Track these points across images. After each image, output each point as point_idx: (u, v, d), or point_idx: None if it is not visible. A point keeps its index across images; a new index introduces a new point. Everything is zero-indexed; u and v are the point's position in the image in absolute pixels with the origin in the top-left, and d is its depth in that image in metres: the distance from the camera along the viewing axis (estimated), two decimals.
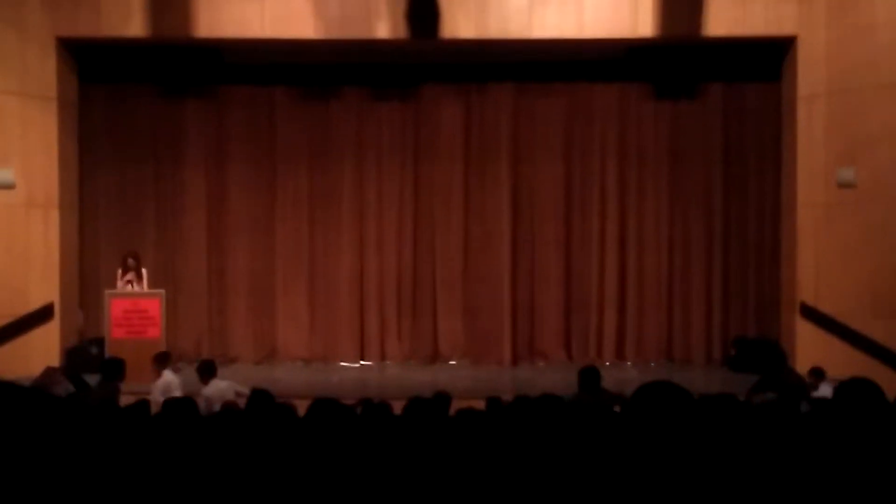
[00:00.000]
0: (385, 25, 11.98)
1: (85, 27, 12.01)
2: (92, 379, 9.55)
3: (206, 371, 9.21)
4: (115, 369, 8.89)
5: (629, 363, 13.29)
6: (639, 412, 3.21)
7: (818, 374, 9.63)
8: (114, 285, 11.68)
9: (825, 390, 9.11)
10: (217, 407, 8.01)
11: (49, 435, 2.27)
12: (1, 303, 11.72)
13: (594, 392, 7.62)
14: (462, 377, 12.15)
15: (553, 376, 11.95)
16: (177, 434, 4.34)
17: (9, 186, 11.83)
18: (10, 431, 2.19)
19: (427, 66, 13.39)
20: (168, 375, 9.40)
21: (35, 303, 12.00)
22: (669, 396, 3.20)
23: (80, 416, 2.94)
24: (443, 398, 7.47)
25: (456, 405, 6.91)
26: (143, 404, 6.42)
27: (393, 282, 13.59)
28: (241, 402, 7.82)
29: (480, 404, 7.03)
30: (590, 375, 7.79)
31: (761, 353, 12.26)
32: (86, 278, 13.01)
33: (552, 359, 13.40)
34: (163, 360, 9.63)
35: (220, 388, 9.02)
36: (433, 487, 3.44)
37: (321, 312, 13.56)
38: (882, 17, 11.47)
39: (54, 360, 11.69)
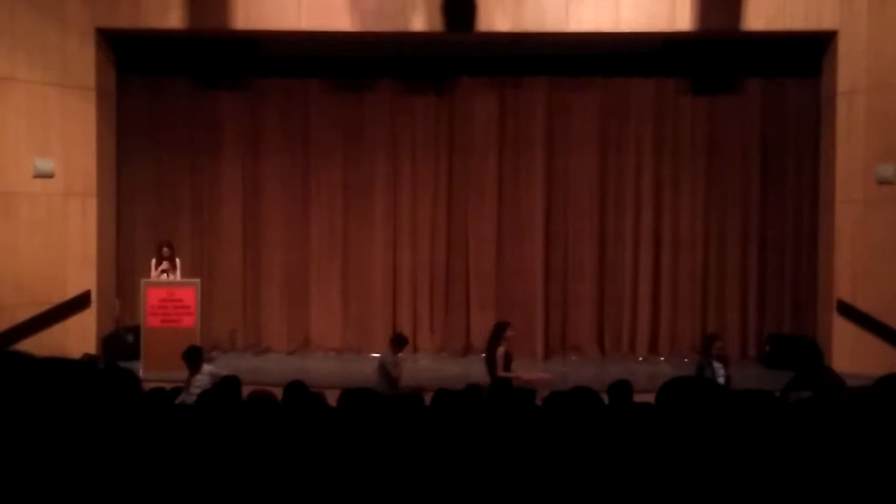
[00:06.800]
0: (421, 18, 11.99)
1: (124, 19, 12.15)
2: (129, 366, 9.66)
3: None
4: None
5: (662, 358, 13.22)
6: (667, 406, 3.20)
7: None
8: (149, 274, 11.81)
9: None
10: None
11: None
12: (39, 290, 11.89)
13: None
14: None
15: (586, 370, 11.91)
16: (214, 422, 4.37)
17: (48, 175, 11.99)
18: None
19: (462, 59, 13.38)
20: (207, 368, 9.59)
21: (72, 291, 12.16)
22: (696, 391, 3.18)
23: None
24: (474, 390, 7.46)
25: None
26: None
27: (426, 274, 13.60)
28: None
29: None
30: None
31: (797, 351, 12.16)
32: (122, 267, 13.17)
33: (585, 353, 13.35)
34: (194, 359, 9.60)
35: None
36: (461, 478, 3.44)
37: (354, 304, 13.61)
38: None
39: (91, 347, 11.87)
